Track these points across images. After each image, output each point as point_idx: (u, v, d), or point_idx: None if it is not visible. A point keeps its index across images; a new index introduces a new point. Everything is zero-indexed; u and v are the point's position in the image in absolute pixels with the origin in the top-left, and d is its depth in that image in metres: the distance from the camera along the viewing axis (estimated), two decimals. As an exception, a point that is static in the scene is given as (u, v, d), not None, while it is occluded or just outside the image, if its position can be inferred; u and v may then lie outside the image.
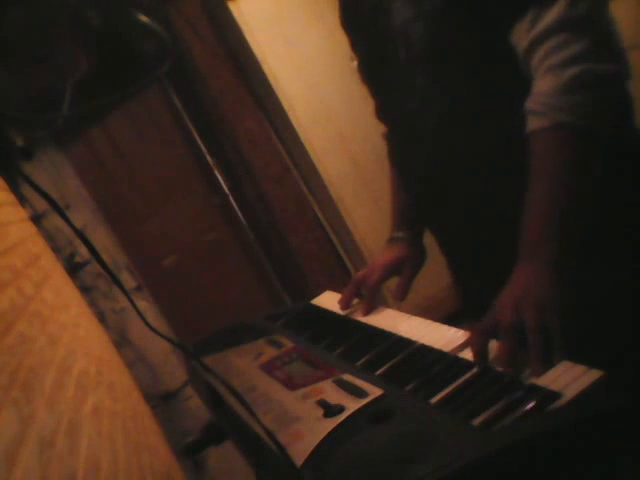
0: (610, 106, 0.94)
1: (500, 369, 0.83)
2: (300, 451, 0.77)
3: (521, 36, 0.96)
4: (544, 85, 0.93)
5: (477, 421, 0.73)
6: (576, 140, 0.93)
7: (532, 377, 0.79)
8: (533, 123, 0.95)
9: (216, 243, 2.81)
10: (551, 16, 0.92)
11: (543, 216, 0.93)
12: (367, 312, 1.22)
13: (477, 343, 0.88)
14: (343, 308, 1.29)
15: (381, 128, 1.36)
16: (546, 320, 0.85)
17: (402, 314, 1.18)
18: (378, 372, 0.95)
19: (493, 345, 0.89)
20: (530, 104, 0.96)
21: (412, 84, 1.10)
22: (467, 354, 0.91)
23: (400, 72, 1.12)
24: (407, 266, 1.29)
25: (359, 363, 1.01)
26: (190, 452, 1.37)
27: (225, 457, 2.04)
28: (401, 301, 1.26)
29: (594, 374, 0.74)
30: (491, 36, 1.02)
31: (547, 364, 0.80)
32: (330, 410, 0.84)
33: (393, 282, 1.32)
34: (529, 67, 0.97)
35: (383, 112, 1.28)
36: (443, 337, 0.99)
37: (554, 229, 0.93)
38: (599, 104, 0.93)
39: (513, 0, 0.96)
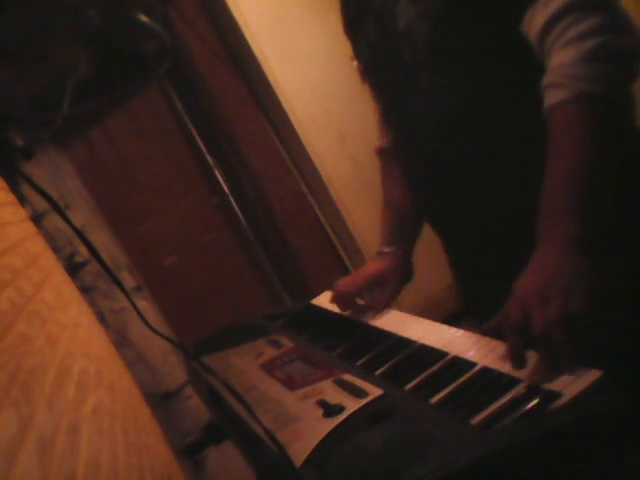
0: (630, 78, 0.92)
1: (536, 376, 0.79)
2: (300, 451, 0.77)
3: (534, 17, 0.94)
4: (563, 57, 0.91)
5: (477, 421, 0.73)
6: (599, 109, 0.90)
7: (563, 374, 0.76)
8: (553, 96, 0.92)
9: (216, 243, 2.80)
10: None
11: (565, 188, 0.89)
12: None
13: (515, 347, 0.82)
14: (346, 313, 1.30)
15: (379, 133, 1.37)
16: (575, 308, 0.81)
17: (402, 314, 1.18)
18: (378, 372, 0.95)
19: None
20: (549, 78, 0.93)
21: (416, 84, 1.10)
22: (467, 354, 0.91)
23: (404, 73, 1.11)
24: (392, 279, 1.29)
25: (359, 363, 1.01)
26: (190, 452, 1.37)
27: (225, 457, 2.04)
28: (380, 311, 1.25)
29: (594, 374, 0.74)
30: (495, 33, 1.01)
31: (577, 359, 0.76)
32: (330, 410, 0.84)
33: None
34: (543, 48, 0.95)
35: (387, 115, 1.27)
36: (443, 337, 0.99)
37: (577, 201, 0.88)
38: (620, 74, 0.91)
39: None
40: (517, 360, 0.81)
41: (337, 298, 1.31)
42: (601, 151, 0.91)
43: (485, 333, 0.91)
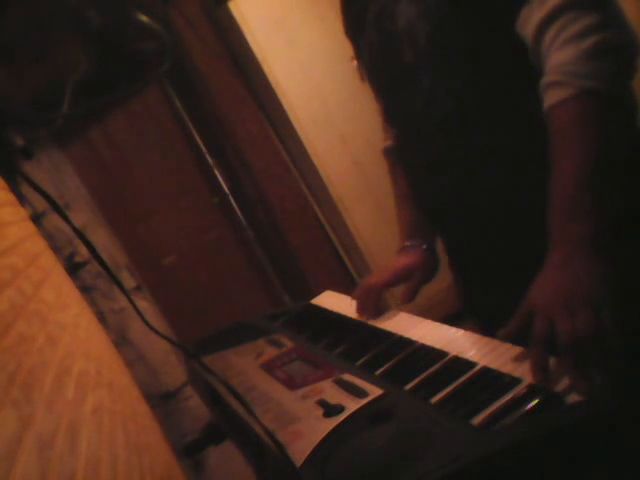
0: (630, 74, 0.92)
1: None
2: (300, 451, 0.77)
3: (529, 17, 0.94)
4: (563, 56, 0.90)
5: (477, 421, 0.73)
6: (603, 105, 0.89)
7: (594, 391, 0.72)
8: (555, 95, 0.91)
9: (216, 243, 2.81)
10: None
11: (576, 185, 0.87)
12: (373, 315, 1.21)
13: (540, 358, 0.79)
14: (367, 316, 1.24)
15: (383, 134, 1.36)
16: (606, 322, 0.78)
17: (402, 314, 1.18)
18: (378, 372, 0.95)
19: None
20: (550, 77, 0.92)
21: (418, 84, 1.10)
22: (467, 354, 0.91)
23: (405, 72, 1.11)
24: (418, 271, 1.26)
25: (359, 363, 1.01)
26: (190, 452, 1.37)
27: (225, 457, 2.04)
28: (405, 304, 1.24)
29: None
30: (496, 33, 1.01)
31: (612, 373, 0.74)
32: (330, 410, 0.84)
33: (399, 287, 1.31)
34: (539, 47, 0.94)
35: (388, 115, 1.27)
36: (443, 337, 0.99)
37: (589, 198, 0.86)
38: (621, 70, 0.90)
39: None
40: (542, 371, 0.79)
41: (362, 294, 1.25)
42: (608, 146, 0.89)
43: (503, 339, 0.89)
